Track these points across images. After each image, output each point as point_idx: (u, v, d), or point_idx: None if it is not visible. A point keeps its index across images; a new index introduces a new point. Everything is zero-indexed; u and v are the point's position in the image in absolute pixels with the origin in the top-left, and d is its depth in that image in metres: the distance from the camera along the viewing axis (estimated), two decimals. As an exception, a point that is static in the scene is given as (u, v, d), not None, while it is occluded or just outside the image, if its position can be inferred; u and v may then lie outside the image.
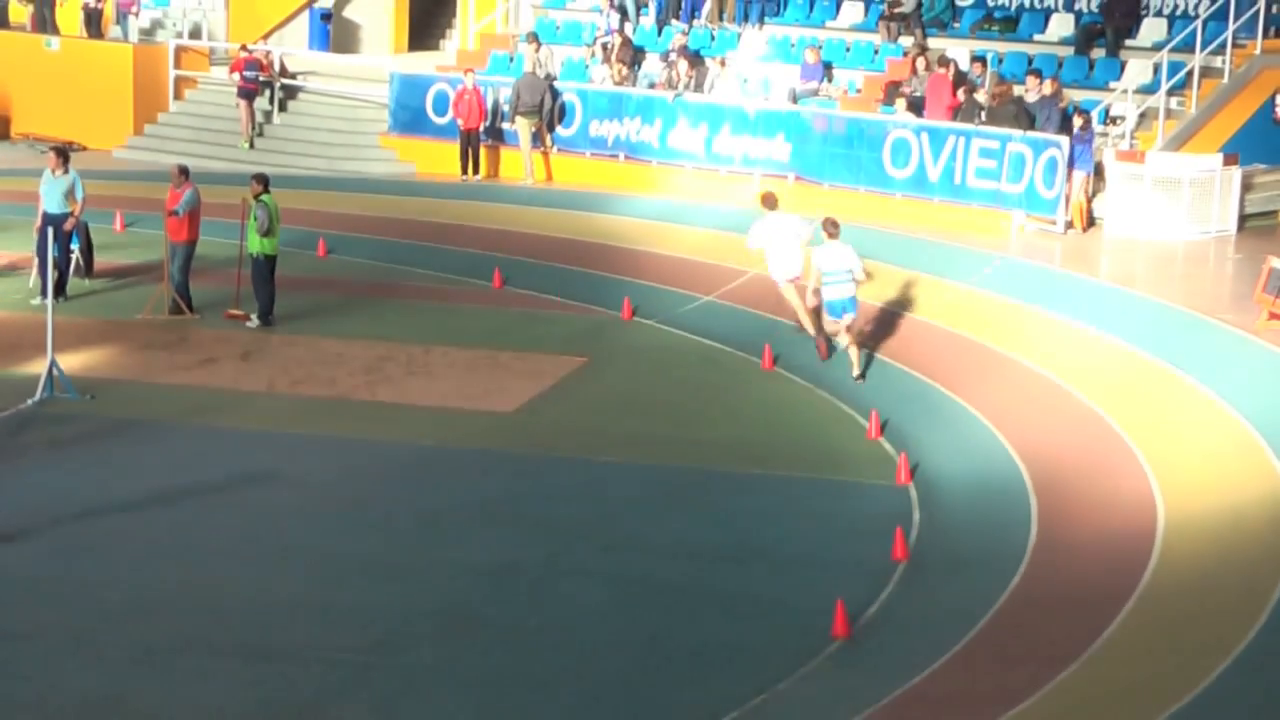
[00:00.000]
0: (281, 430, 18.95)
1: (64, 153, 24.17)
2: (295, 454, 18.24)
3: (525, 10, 34.09)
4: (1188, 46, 26.39)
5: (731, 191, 26.55)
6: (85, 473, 17.48)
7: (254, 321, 22.76)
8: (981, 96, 26.20)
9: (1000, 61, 28.11)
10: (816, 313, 20.78)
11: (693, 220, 25.72)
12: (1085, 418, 17.94)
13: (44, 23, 35.98)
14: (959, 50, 28.36)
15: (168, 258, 23.21)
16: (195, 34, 35.65)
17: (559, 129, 29.35)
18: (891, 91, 27.39)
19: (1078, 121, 24.61)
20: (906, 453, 18.09)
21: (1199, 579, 13.76)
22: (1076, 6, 29.11)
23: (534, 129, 29.02)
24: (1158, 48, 26.90)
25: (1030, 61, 27.72)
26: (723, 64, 28.98)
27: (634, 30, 31.54)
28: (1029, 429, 18.07)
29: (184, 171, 23.42)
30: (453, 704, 13.05)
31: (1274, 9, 27.34)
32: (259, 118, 32.86)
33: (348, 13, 37.67)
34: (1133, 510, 15.33)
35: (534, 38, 30.29)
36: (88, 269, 24.73)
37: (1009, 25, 29.33)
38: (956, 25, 29.76)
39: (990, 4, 29.92)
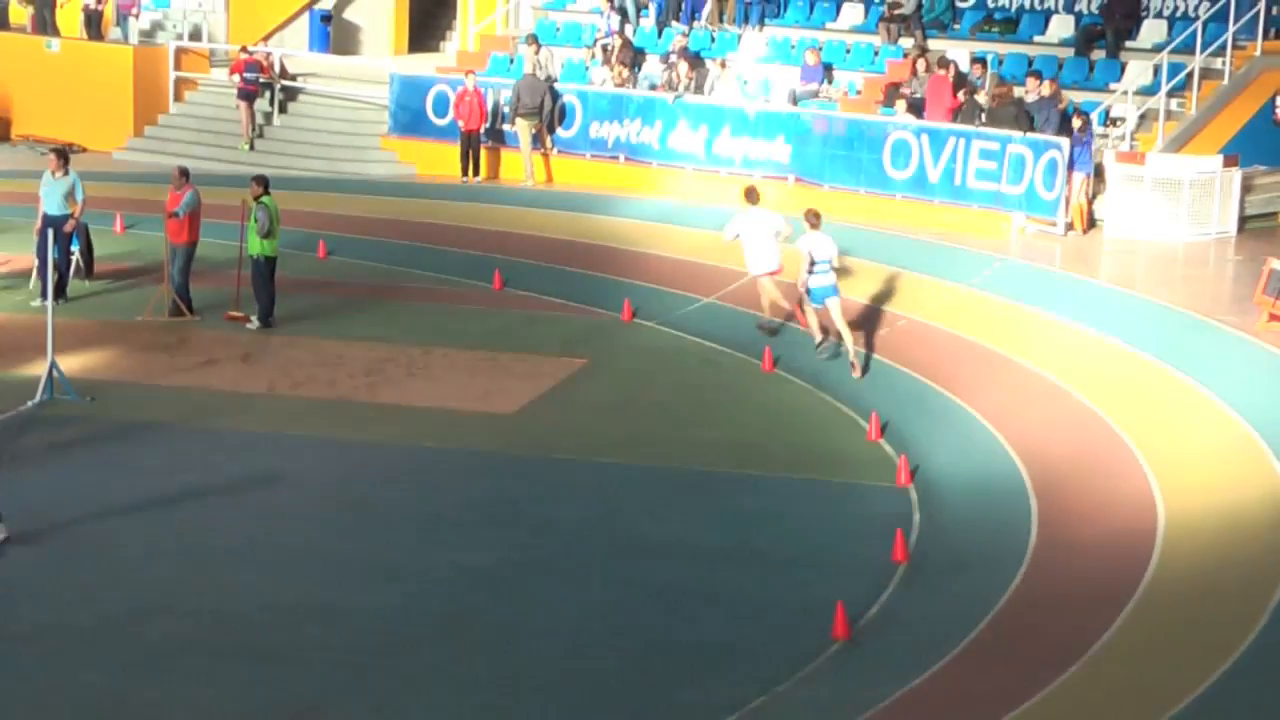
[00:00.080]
0: (282, 432, 18.95)
1: (64, 154, 24.18)
2: (296, 455, 18.24)
3: (525, 12, 34.09)
4: (1188, 48, 26.39)
5: (732, 193, 26.50)
6: (86, 474, 17.49)
7: (254, 323, 22.76)
8: (982, 98, 26.20)
9: (1000, 63, 28.12)
10: (800, 305, 21.17)
11: (693, 222, 25.71)
12: (1086, 419, 17.95)
13: (44, 24, 35.98)
14: (959, 52, 28.36)
15: (168, 259, 23.22)
16: (195, 36, 35.64)
17: (559, 130, 29.35)
18: (892, 93, 27.39)
19: (1076, 123, 24.61)
20: (907, 454, 18.09)
21: (1199, 580, 13.76)
22: (1077, 8, 29.11)
23: (534, 130, 29.02)
24: (1158, 49, 26.90)
25: (1030, 63, 27.72)
26: (723, 65, 29.00)
27: (634, 32, 31.54)
28: (1029, 430, 18.07)
29: (184, 173, 23.42)
30: (453, 705, 13.05)
31: (1274, 10, 27.33)
32: (259, 119, 32.86)
33: (348, 14, 37.67)
34: (1133, 511, 15.34)
35: (534, 39, 30.29)
36: (88, 271, 24.74)
37: (1009, 27, 29.33)
38: (957, 27, 29.76)
39: (990, 5, 29.92)
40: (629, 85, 29.41)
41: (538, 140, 29.19)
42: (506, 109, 29.37)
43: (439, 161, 30.05)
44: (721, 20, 31.51)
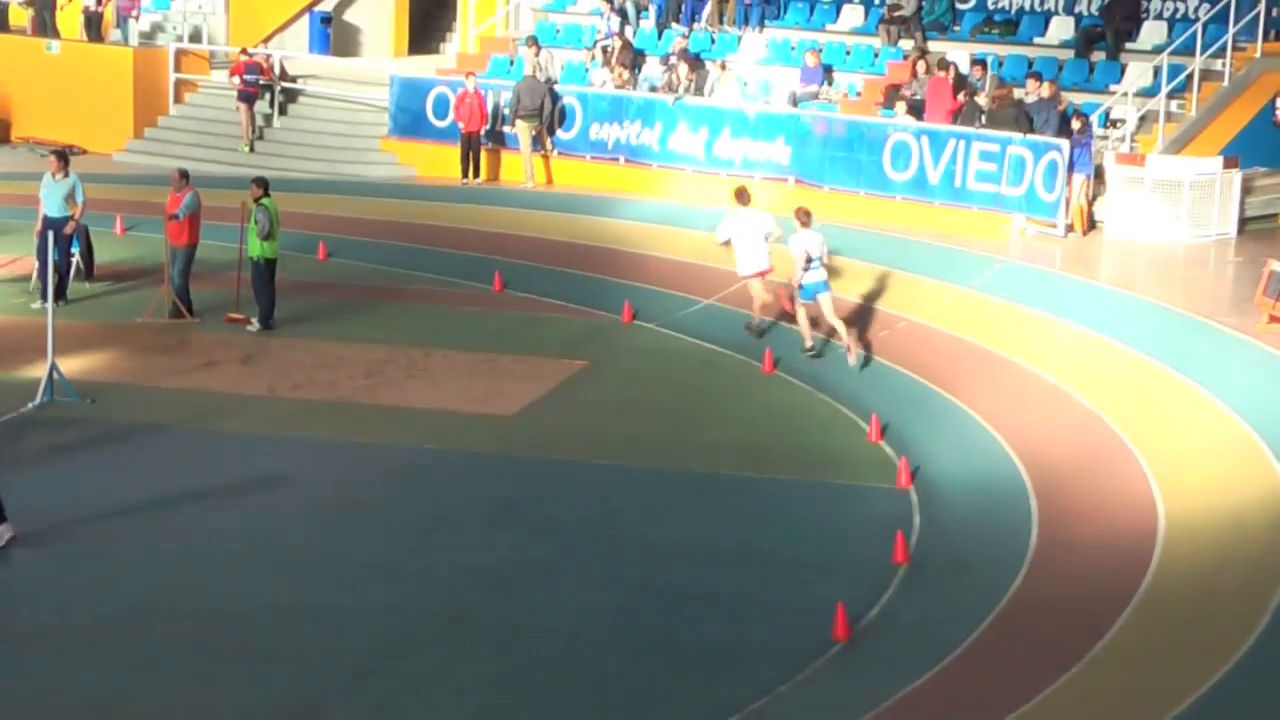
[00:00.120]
0: (282, 433, 18.95)
1: (64, 156, 24.19)
2: (296, 457, 18.24)
3: (525, 14, 34.10)
4: (1188, 49, 26.38)
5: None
6: (86, 476, 17.49)
7: (254, 325, 22.76)
8: (982, 100, 26.21)
9: (1000, 64, 28.12)
10: (792, 301, 21.48)
11: (693, 224, 25.70)
12: (1086, 421, 17.95)
13: (44, 26, 35.97)
14: (959, 53, 28.37)
15: (168, 261, 23.22)
16: (195, 37, 35.64)
17: (559, 132, 29.35)
18: (892, 94, 27.38)
19: (1075, 124, 24.61)
20: (907, 456, 18.09)
21: (1200, 582, 13.76)
22: (1077, 9, 29.11)
23: (534, 132, 29.02)
24: (1158, 51, 26.90)
25: (1030, 64, 27.72)
26: (723, 67, 29.00)
27: (634, 33, 31.55)
28: (1030, 432, 18.08)
29: (184, 175, 23.43)
30: (453, 706, 13.05)
31: (1274, 12, 27.33)
32: (259, 121, 32.87)
33: (348, 16, 37.67)
34: (1134, 513, 15.34)
35: (534, 41, 30.29)
36: (88, 273, 24.74)
37: (1009, 28, 29.33)
38: (957, 28, 29.76)
39: (990, 7, 29.92)
40: (629, 87, 29.41)
41: (538, 142, 29.19)
42: (507, 111, 29.37)
43: (439, 163, 30.05)
44: (721, 22, 31.52)
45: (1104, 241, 24.50)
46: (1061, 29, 28.92)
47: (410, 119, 30.82)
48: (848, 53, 30.04)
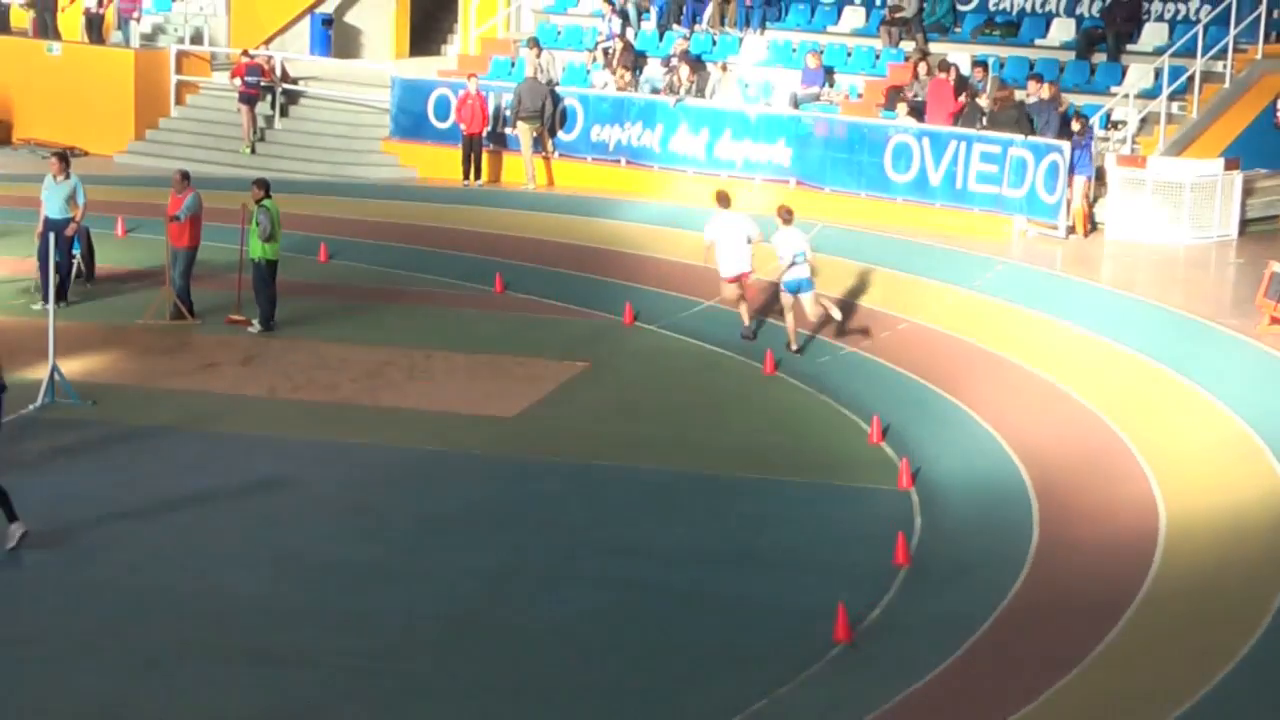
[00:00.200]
0: (283, 435, 18.95)
1: (65, 158, 24.20)
2: (296, 459, 18.24)
3: (526, 15, 34.10)
4: (1189, 51, 26.37)
5: (732, 196, 26.52)
6: (87, 478, 17.49)
7: (255, 326, 22.77)
8: (983, 101, 26.20)
9: (1001, 66, 28.11)
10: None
11: (694, 225, 25.64)
12: (1087, 422, 17.94)
13: (45, 28, 35.96)
14: (960, 55, 28.37)
15: (169, 263, 23.23)
16: (197, 39, 35.66)
17: (560, 134, 29.35)
18: (893, 96, 27.39)
19: (1075, 126, 24.59)
20: (908, 457, 18.08)
21: (1201, 583, 13.75)
22: (1078, 11, 29.11)
23: (535, 134, 29.02)
24: (1159, 52, 26.89)
25: (1032, 66, 27.71)
26: (724, 69, 28.99)
27: (635, 35, 31.54)
28: (1031, 433, 18.07)
29: (185, 177, 23.43)
30: (454, 709, 13.06)
31: (1275, 14, 27.32)
32: (260, 123, 32.87)
33: (349, 18, 37.68)
34: (1135, 514, 15.33)
35: (535, 43, 30.29)
36: (89, 274, 24.74)
37: (1010, 30, 29.33)
38: (958, 30, 29.75)
39: (991, 9, 29.91)
40: (630, 88, 29.41)
41: (539, 144, 29.19)
42: (508, 112, 29.37)
43: (440, 165, 30.05)
44: (723, 23, 31.51)
45: (1105, 243, 24.49)
46: (1063, 31, 28.92)
47: (411, 121, 30.82)
48: (849, 54, 30.03)
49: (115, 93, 34.07)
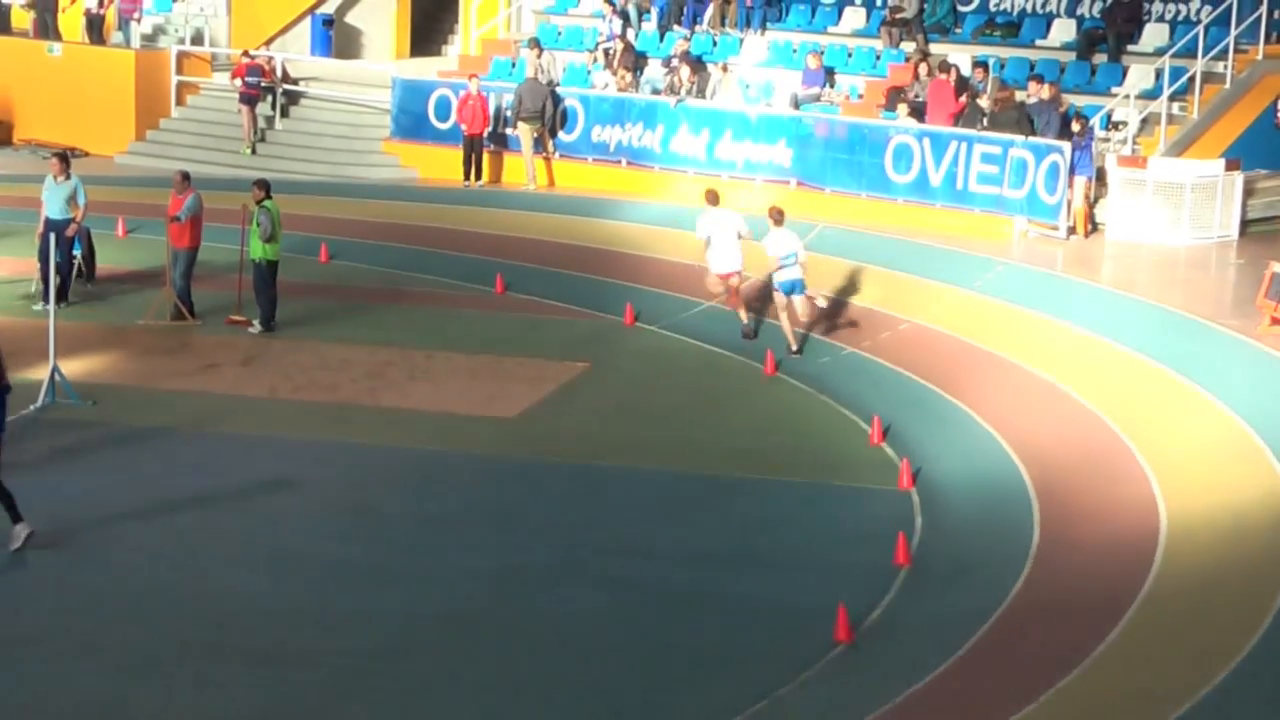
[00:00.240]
0: (283, 436, 18.95)
1: (66, 159, 24.21)
2: (297, 459, 18.24)
3: (527, 16, 34.11)
4: (1190, 52, 26.38)
5: (734, 197, 26.52)
6: (87, 478, 17.49)
7: (256, 327, 22.77)
8: (983, 102, 26.20)
9: (1002, 67, 28.11)
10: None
11: (695, 226, 25.69)
12: (1087, 422, 17.94)
13: (46, 29, 35.97)
14: (961, 56, 28.37)
15: (170, 263, 23.23)
16: (197, 40, 35.67)
17: (561, 134, 29.36)
18: (893, 97, 27.40)
19: (1075, 126, 24.58)
20: (909, 458, 18.08)
21: (1202, 583, 13.75)
22: (1078, 12, 29.11)
23: (536, 134, 29.02)
24: (1160, 53, 26.89)
25: (1032, 67, 27.70)
26: (725, 69, 29.00)
27: (636, 36, 31.55)
28: (1031, 433, 18.07)
29: (186, 177, 23.44)
30: (455, 709, 13.05)
31: (1276, 14, 27.31)
32: (261, 123, 32.88)
33: (350, 18, 37.68)
34: (1135, 514, 15.33)
35: (536, 43, 30.30)
36: (90, 275, 24.75)
37: (1011, 30, 29.33)
38: (958, 30, 29.76)
39: (992, 9, 29.92)
40: (631, 89, 29.42)
41: (540, 144, 29.19)
42: (509, 113, 29.37)
43: (441, 165, 30.05)
44: (723, 24, 31.52)
45: (1105, 243, 24.49)
46: (1063, 31, 28.92)
47: (412, 121, 30.83)
48: (849, 55, 30.04)
49: (116, 93, 34.08)
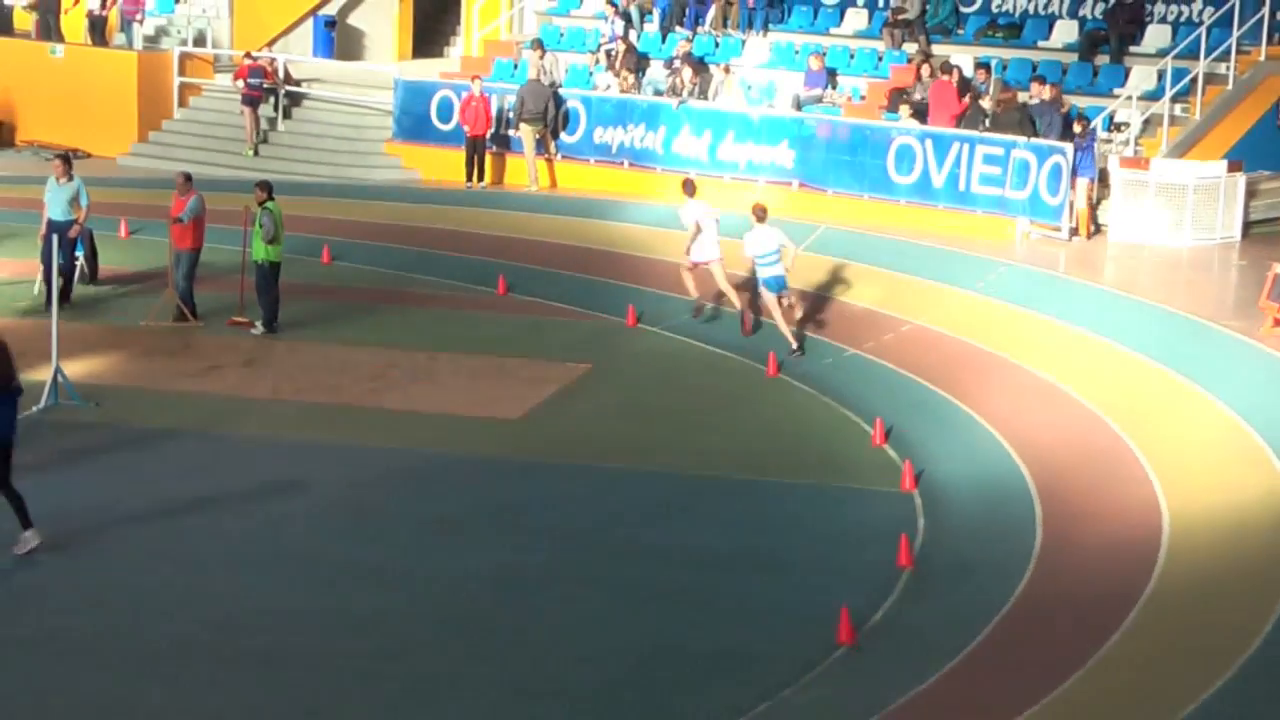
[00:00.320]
0: (286, 437, 18.96)
1: (68, 160, 24.23)
2: (300, 461, 18.25)
3: (529, 17, 34.11)
4: (1192, 53, 26.38)
5: (737, 198, 26.52)
6: (90, 479, 17.50)
7: (258, 328, 22.78)
8: (986, 103, 26.20)
9: (1004, 68, 28.11)
10: (743, 290, 22.94)
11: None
12: (1090, 423, 17.94)
13: (48, 30, 36.00)
14: (963, 57, 28.37)
15: (172, 265, 23.25)
16: (200, 41, 35.68)
17: (563, 136, 29.36)
18: (895, 98, 27.40)
19: (1077, 127, 24.57)
20: (911, 459, 18.08)
21: (1204, 585, 13.75)
22: (1081, 13, 29.11)
23: (538, 136, 29.03)
24: (1162, 54, 26.89)
25: (1035, 68, 27.69)
26: (727, 71, 29.01)
27: (638, 37, 31.56)
28: (1034, 435, 18.07)
29: (188, 179, 23.45)
30: (457, 710, 13.05)
31: (1278, 15, 27.30)
32: (263, 125, 32.89)
33: (352, 20, 37.69)
34: (1138, 516, 15.32)
35: (538, 44, 30.30)
36: (92, 276, 24.78)
37: (1013, 32, 29.33)
38: (960, 32, 29.76)
39: (994, 10, 29.92)
40: (633, 90, 29.42)
41: (542, 146, 29.20)
42: (511, 114, 29.38)
43: (443, 167, 30.06)
44: (725, 25, 31.52)
45: (1108, 245, 24.49)
46: (1065, 32, 28.92)
47: (414, 122, 30.84)
48: (851, 56, 30.04)
49: (118, 95, 34.10)
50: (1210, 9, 27.47)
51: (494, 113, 29.50)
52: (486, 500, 17.38)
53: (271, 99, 32.97)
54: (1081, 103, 26.40)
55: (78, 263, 24.19)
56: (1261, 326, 19.01)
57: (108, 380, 20.59)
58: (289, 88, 33.34)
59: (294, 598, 14.85)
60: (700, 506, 17.29)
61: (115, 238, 27.29)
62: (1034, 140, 24.64)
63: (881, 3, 30.80)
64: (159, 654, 13.70)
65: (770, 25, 31.15)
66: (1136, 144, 26.00)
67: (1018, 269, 23.02)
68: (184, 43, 35.38)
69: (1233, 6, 26.70)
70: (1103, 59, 27.98)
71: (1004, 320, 21.42)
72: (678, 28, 31.65)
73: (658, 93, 29.37)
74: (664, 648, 14.05)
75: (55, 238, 21.67)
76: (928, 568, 15.59)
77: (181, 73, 34.42)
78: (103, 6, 35.65)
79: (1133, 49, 27.91)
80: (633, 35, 31.36)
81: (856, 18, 31.10)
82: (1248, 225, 25.02)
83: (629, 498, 17.51)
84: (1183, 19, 28.07)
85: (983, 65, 27.58)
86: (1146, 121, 26.34)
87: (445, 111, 30.23)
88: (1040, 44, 28.90)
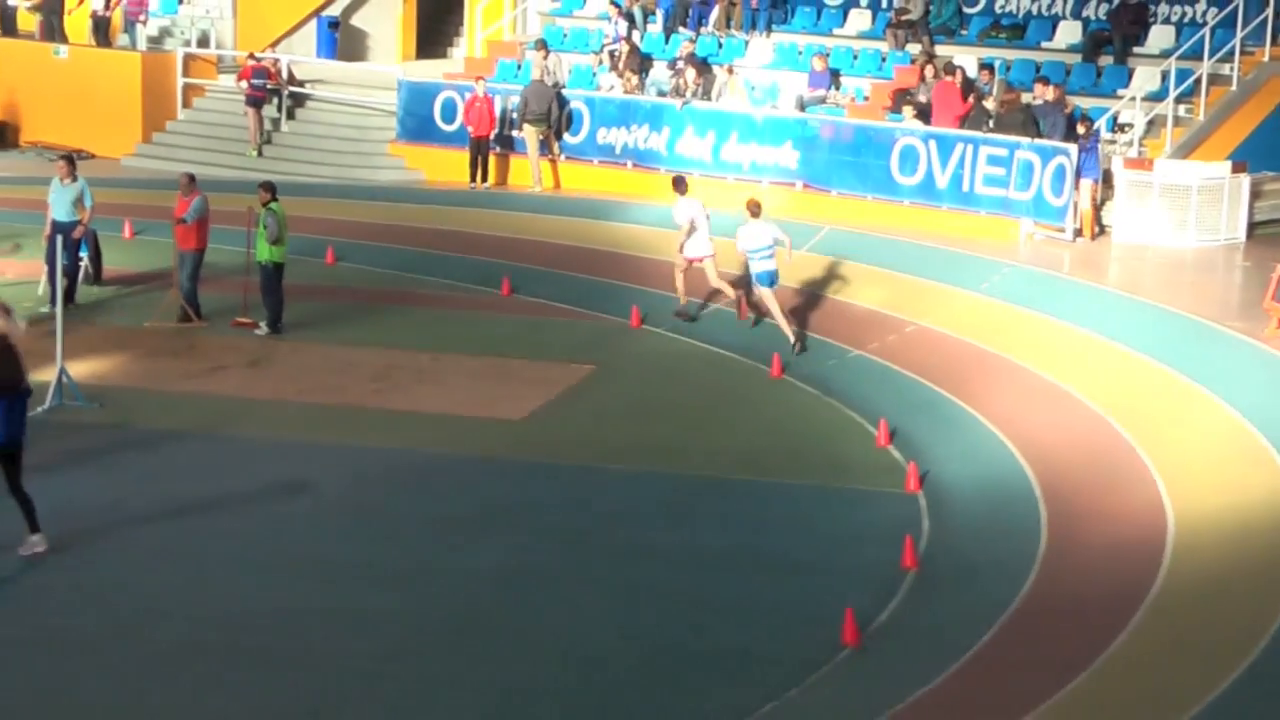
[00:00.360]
0: (290, 438, 18.97)
1: (72, 161, 24.24)
2: (304, 461, 18.25)
3: (533, 18, 34.12)
4: (1196, 54, 26.38)
5: (739, 199, 26.50)
6: (93, 480, 17.51)
7: (262, 329, 22.79)
8: (989, 104, 26.19)
9: (1008, 69, 28.11)
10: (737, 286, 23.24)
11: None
12: (1094, 425, 17.93)
13: (52, 31, 36.04)
14: (966, 58, 28.37)
15: (176, 265, 23.26)
16: (203, 42, 35.71)
17: (567, 136, 29.37)
18: (899, 99, 27.40)
19: (1080, 128, 24.56)
20: (915, 460, 18.07)
21: (1209, 587, 13.74)
22: (1084, 14, 29.10)
23: (542, 137, 29.04)
24: (1166, 55, 26.90)
25: (1038, 69, 27.70)
26: (730, 71, 29.01)
27: (641, 38, 31.57)
28: (1038, 436, 18.06)
29: (192, 179, 23.46)
30: (461, 711, 13.05)
31: (1283, 16, 27.34)
32: (267, 125, 32.90)
33: (355, 21, 37.72)
34: (1142, 518, 15.32)
35: (542, 45, 30.31)
36: (96, 276, 24.79)
37: (1016, 32, 29.33)
38: (964, 32, 29.76)
39: (998, 11, 29.92)
40: (636, 91, 29.43)
41: (545, 146, 29.21)
42: (514, 115, 29.39)
43: (447, 167, 30.06)
44: (729, 26, 31.52)
45: (1112, 246, 24.47)
46: (1069, 33, 28.91)
47: (418, 123, 30.85)
48: (855, 57, 30.05)
49: (122, 96, 34.13)
50: (1214, 10, 27.47)
51: (498, 113, 29.51)
52: (490, 501, 17.38)
53: (275, 100, 32.99)
54: (1085, 103, 26.41)
55: (82, 264, 24.20)
56: (1266, 328, 18.99)
57: (112, 381, 20.60)
58: (292, 88, 33.35)
59: (297, 598, 14.85)
60: (704, 507, 17.28)
61: (119, 239, 27.31)
62: (1038, 141, 24.63)
63: (885, 3, 30.82)
64: (162, 654, 13.70)
65: (774, 26, 31.15)
66: (1140, 145, 26.00)
67: (1021, 270, 23.01)
68: (188, 43, 35.41)
69: (1236, 7, 26.71)
70: (1106, 60, 27.98)
71: (1008, 321, 21.41)
72: (681, 28, 31.66)
73: (661, 93, 29.37)
74: (667, 648, 14.05)
75: (59, 238, 21.69)
76: (932, 569, 15.58)
77: (185, 73, 34.44)
78: (106, 7, 35.68)
79: (1136, 50, 27.90)
80: (636, 36, 31.38)
81: (860, 18, 31.11)
82: (1252, 226, 25.01)
83: (633, 498, 17.50)
84: (1186, 20, 28.06)
85: (986, 66, 27.57)
86: (1150, 122, 26.34)
87: (449, 112, 30.24)
88: (1044, 45, 28.91)
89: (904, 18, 29.67)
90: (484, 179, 29.46)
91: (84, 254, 24.20)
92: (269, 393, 20.52)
